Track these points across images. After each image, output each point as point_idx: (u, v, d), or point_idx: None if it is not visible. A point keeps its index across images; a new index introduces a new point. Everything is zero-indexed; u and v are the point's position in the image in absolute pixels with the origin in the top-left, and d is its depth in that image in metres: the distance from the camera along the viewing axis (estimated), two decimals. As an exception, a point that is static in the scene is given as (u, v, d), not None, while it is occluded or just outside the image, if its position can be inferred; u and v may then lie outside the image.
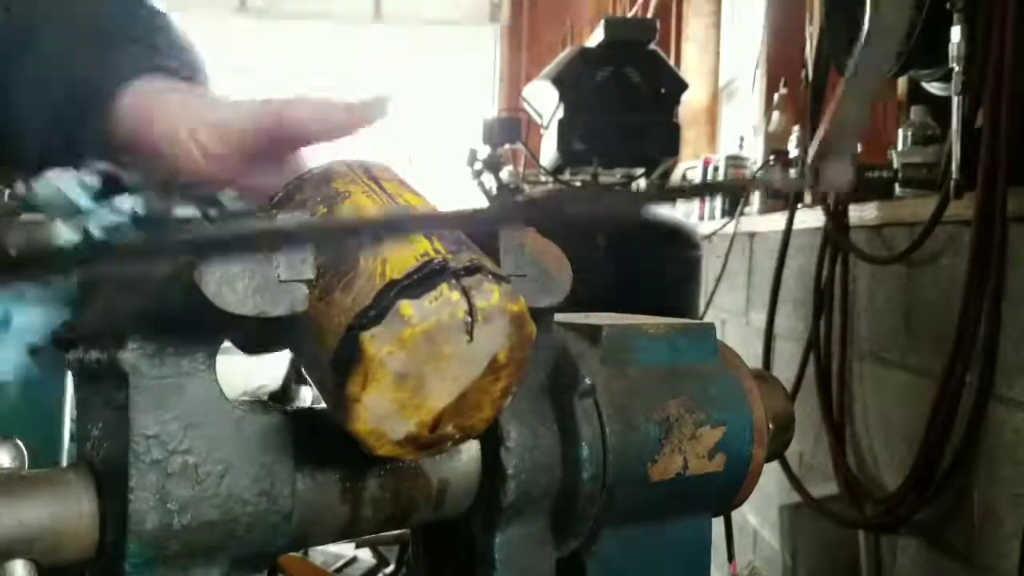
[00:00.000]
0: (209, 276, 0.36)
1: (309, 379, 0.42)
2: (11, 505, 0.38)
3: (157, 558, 0.39)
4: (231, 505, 0.41)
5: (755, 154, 3.10)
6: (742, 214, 2.93)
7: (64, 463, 0.42)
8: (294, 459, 0.43)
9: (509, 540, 0.50)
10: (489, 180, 2.87)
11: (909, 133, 1.94)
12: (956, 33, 1.55)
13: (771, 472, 2.26)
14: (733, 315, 3.00)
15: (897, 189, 1.95)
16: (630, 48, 2.52)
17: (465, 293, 0.39)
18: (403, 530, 0.52)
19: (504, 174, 3.39)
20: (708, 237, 3.06)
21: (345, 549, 3.11)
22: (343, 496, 0.45)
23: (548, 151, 2.64)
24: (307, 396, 6.11)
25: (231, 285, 0.37)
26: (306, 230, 0.39)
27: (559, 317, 0.55)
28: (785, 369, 2.35)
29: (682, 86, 2.60)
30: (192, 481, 0.40)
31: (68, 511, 0.39)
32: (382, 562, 2.95)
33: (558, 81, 2.52)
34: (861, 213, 2.06)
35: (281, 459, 0.42)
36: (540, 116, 2.77)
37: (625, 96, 2.47)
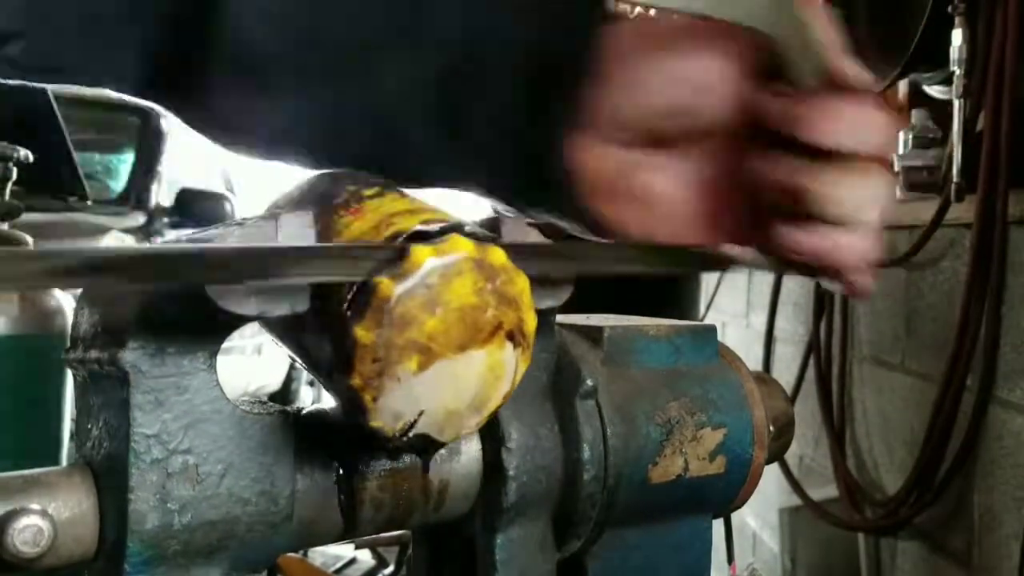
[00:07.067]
0: (211, 276, 0.36)
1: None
2: (9, 504, 0.38)
3: (157, 558, 0.39)
4: (231, 505, 0.41)
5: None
6: (742, 216, 2.92)
7: (64, 462, 0.42)
8: (294, 459, 0.43)
9: (510, 541, 0.50)
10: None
11: (910, 136, 1.94)
12: (957, 36, 1.55)
13: (771, 474, 2.25)
14: (733, 317, 3.00)
15: (898, 192, 1.95)
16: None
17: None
18: (403, 531, 0.52)
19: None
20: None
21: (345, 550, 3.11)
22: (342, 497, 0.45)
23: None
24: (307, 396, 6.09)
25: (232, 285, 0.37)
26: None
27: (560, 318, 0.55)
28: (785, 372, 2.35)
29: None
30: (192, 481, 0.40)
31: (67, 511, 0.39)
32: (381, 563, 2.95)
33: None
34: (861, 215, 2.05)
35: (281, 459, 0.42)
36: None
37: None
